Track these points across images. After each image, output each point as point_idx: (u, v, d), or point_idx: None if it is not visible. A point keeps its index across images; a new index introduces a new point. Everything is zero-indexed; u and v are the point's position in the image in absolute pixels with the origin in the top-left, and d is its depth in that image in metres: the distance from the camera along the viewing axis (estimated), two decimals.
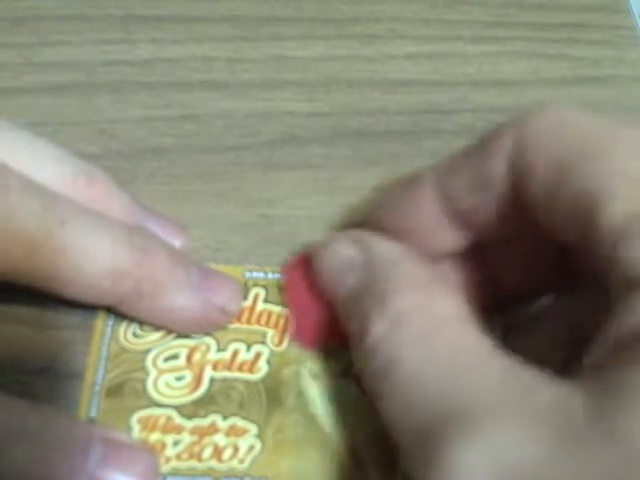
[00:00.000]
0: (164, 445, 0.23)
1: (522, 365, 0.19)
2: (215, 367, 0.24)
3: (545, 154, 0.21)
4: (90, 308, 0.24)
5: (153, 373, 0.24)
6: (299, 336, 0.25)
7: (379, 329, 0.21)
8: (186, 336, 0.25)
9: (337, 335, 0.24)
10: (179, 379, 0.24)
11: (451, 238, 0.24)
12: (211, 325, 0.24)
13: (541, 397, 0.18)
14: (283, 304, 0.26)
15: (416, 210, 0.24)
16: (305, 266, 0.26)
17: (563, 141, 0.21)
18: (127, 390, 0.24)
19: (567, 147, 0.21)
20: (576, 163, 0.20)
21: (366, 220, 0.26)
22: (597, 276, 0.20)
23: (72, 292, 0.23)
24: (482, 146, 0.23)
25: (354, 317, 0.22)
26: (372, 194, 0.29)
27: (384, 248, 0.24)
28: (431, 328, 0.21)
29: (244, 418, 0.24)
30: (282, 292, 0.26)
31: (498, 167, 0.22)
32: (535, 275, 0.25)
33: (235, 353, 0.25)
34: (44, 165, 0.23)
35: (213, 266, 0.25)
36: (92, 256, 0.22)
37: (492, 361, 0.20)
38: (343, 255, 0.24)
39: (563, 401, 0.18)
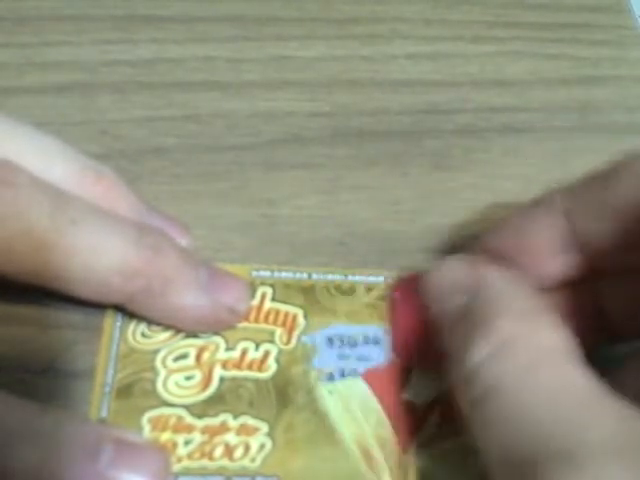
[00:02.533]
0: (175, 445, 0.23)
1: (632, 407, 0.19)
2: (224, 366, 0.24)
3: None
4: (93, 307, 0.24)
5: (162, 373, 0.24)
6: (400, 353, 0.25)
7: (483, 353, 0.21)
8: (194, 335, 0.25)
9: (436, 357, 0.24)
10: (189, 378, 0.24)
11: (567, 264, 0.23)
12: (220, 325, 0.24)
13: None
14: (388, 320, 0.26)
15: (538, 230, 0.23)
16: (414, 286, 0.26)
17: None
18: (137, 390, 0.24)
19: None
20: None
21: (481, 241, 0.25)
22: None
23: (82, 291, 0.23)
24: (613, 172, 0.22)
25: (455, 339, 0.22)
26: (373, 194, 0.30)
27: (494, 274, 0.23)
28: (536, 359, 0.20)
29: (254, 417, 0.24)
30: (390, 308, 0.26)
31: (626, 196, 0.21)
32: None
33: (244, 352, 0.25)
34: (52, 162, 0.23)
35: (220, 265, 0.25)
36: (102, 255, 0.22)
37: (602, 401, 0.19)
38: (451, 277, 0.24)
39: None
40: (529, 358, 0.20)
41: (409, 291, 0.26)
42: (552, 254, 0.23)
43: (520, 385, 0.20)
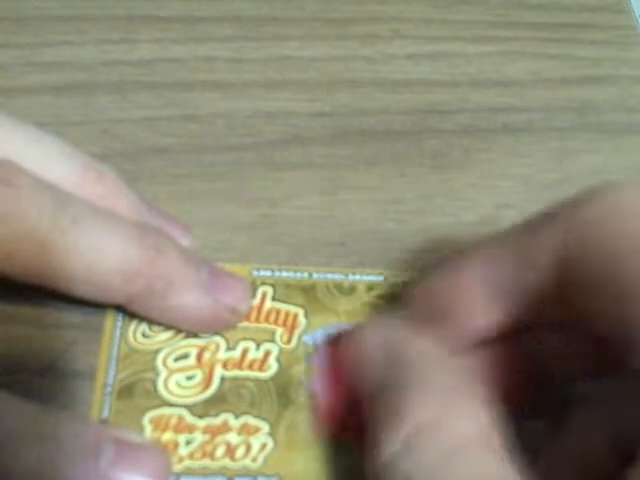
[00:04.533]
0: (177, 444, 0.23)
1: None
2: (225, 366, 0.24)
3: (595, 253, 0.20)
4: (93, 307, 0.24)
5: (164, 373, 0.24)
6: (326, 418, 0.24)
7: (395, 445, 0.20)
8: (195, 335, 0.25)
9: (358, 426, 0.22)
10: (190, 378, 0.24)
11: (492, 319, 0.22)
12: (221, 325, 0.24)
13: None
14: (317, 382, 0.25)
15: (461, 284, 0.23)
16: (339, 347, 0.25)
17: (617, 240, 0.20)
18: (138, 390, 0.24)
19: (618, 250, 0.19)
20: (626, 270, 0.19)
21: (408, 295, 0.24)
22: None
23: (83, 292, 0.23)
24: (534, 225, 0.22)
25: (371, 422, 0.21)
26: (373, 194, 0.30)
27: (408, 346, 0.22)
28: (447, 453, 0.19)
29: (256, 416, 0.24)
30: (317, 371, 0.25)
31: (544, 254, 0.21)
32: (577, 362, 0.23)
33: (245, 352, 0.25)
34: (53, 162, 0.23)
35: (220, 265, 0.25)
36: (104, 255, 0.22)
37: None
38: (369, 347, 0.23)
39: None
40: (443, 450, 0.19)
41: (335, 352, 0.25)
42: (479, 311, 0.22)
43: None
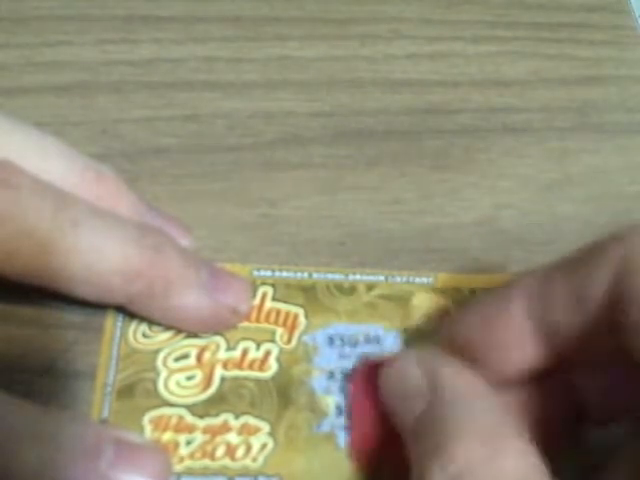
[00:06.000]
0: (177, 444, 0.23)
1: None
2: (225, 366, 0.24)
3: None
4: (94, 307, 0.24)
5: (164, 373, 0.24)
6: (355, 446, 0.24)
7: None
8: (195, 335, 0.25)
9: (394, 452, 0.23)
10: (190, 378, 0.24)
11: (535, 355, 0.22)
12: (221, 325, 0.24)
13: None
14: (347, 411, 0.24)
15: (505, 321, 0.22)
16: (372, 375, 0.24)
17: None
18: (138, 390, 0.24)
19: None
20: None
21: (445, 328, 0.24)
22: None
23: (83, 292, 0.23)
24: (583, 260, 0.21)
25: (414, 453, 0.21)
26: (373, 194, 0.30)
27: (452, 378, 0.22)
28: None
29: (256, 416, 0.24)
30: (349, 400, 0.25)
31: (597, 287, 0.21)
32: (622, 402, 0.23)
33: (245, 352, 0.25)
34: (52, 162, 0.23)
35: (220, 265, 0.25)
36: (104, 256, 0.22)
37: None
38: (408, 378, 0.22)
39: None
40: None
41: (367, 380, 0.25)
42: (518, 344, 0.22)
43: None
